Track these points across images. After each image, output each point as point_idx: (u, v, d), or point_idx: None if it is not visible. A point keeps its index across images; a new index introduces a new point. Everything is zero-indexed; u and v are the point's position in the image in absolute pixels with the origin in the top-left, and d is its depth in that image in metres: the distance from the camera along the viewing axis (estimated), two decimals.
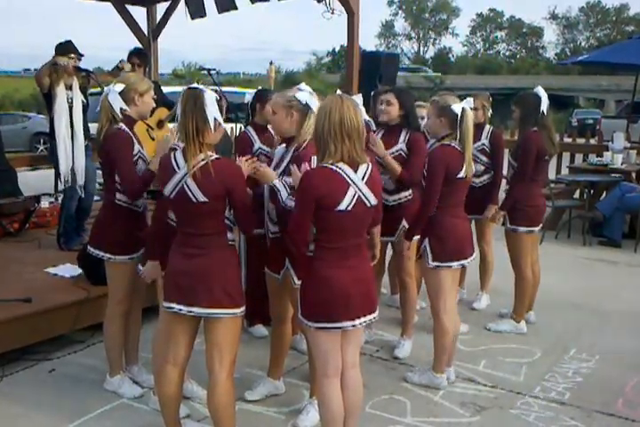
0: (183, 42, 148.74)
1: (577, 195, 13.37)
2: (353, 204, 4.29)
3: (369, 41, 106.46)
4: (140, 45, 11.93)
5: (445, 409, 5.63)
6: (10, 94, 51.75)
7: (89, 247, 5.61)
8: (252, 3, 11.28)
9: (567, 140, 15.71)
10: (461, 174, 5.68)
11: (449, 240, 5.78)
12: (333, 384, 4.49)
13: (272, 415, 5.51)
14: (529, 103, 7.10)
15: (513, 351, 6.86)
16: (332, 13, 10.59)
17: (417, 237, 6.08)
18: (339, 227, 4.33)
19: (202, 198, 4.30)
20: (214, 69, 9.02)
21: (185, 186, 4.32)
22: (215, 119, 4.37)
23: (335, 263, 4.35)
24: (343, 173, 4.28)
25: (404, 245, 6.22)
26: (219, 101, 4.45)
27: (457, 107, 5.59)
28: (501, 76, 65.90)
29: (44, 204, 10.32)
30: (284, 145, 5.23)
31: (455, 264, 5.83)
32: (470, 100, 5.79)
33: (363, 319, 4.46)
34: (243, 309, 4.48)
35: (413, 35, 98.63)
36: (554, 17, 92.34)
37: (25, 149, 26.06)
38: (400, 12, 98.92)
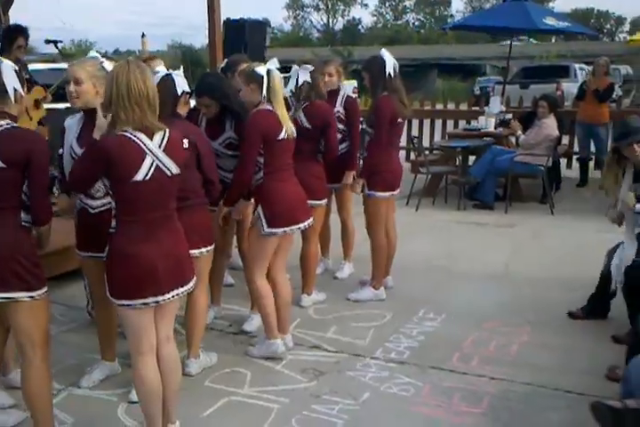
0: (79, 19, 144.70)
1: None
2: (151, 173, 4.18)
3: (277, 13, 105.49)
4: None
5: (284, 377, 5.75)
6: None
7: None
8: None
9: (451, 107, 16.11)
10: (281, 135, 5.73)
11: (279, 205, 5.80)
12: (148, 361, 4.47)
13: (103, 398, 5.42)
14: (375, 68, 7.03)
15: (364, 316, 7.02)
16: None
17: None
18: (139, 198, 4.21)
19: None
20: (60, 41, 8.91)
21: None
22: (15, 90, 4.32)
23: (140, 238, 4.24)
24: (139, 141, 4.17)
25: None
26: (17, 72, 4.39)
27: (261, 69, 5.65)
28: (411, 46, 65.84)
29: None
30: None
31: (288, 229, 5.88)
32: (275, 60, 5.87)
33: (173, 293, 4.40)
34: (41, 291, 4.34)
35: (322, 6, 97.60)
36: None
37: None
38: None
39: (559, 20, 15.84)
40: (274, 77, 5.68)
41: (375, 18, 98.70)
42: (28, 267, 4.26)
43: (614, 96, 14.58)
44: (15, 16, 11.16)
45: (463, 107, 16.41)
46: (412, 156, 14.93)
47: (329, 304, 7.35)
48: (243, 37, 11.58)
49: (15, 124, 4.31)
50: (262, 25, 12.83)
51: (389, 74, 6.97)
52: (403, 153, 14.91)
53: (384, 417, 5.16)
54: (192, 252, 4.92)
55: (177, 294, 4.46)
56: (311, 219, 6.16)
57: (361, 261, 8.00)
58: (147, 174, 4.17)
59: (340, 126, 7.51)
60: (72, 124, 5.21)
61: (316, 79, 6.73)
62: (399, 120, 7.17)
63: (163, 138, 4.27)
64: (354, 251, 8.30)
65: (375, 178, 7.19)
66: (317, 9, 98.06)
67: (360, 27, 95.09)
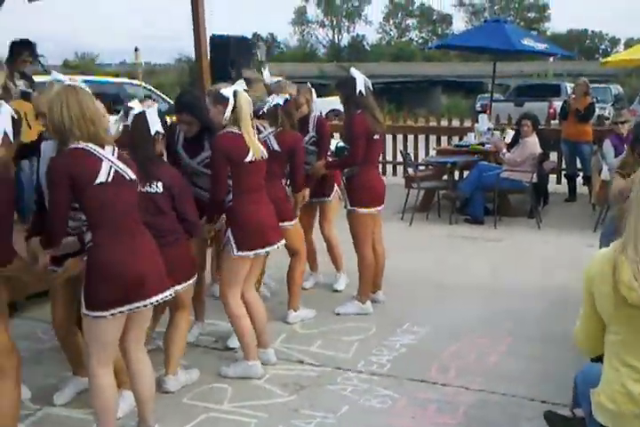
0: (86, 30, 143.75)
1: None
2: (112, 176, 4.32)
3: (283, 28, 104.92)
4: None
5: (265, 391, 5.73)
6: None
7: None
8: None
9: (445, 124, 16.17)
10: (249, 158, 5.72)
11: (249, 227, 5.77)
12: (108, 372, 4.54)
13: (79, 417, 5.34)
14: (346, 86, 7.13)
15: (350, 330, 7.02)
16: None
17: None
18: (106, 202, 4.32)
19: None
20: (42, 56, 8.90)
21: None
22: (5, 133, 4.35)
23: (118, 247, 4.35)
24: (93, 150, 4.31)
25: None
26: (15, 119, 4.43)
27: (227, 91, 5.64)
28: (415, 63, 65.97)
29: None
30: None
31: (261, 251, 5.88)
32: (242, 82, 5.86)
33: (157, 297, 4.53)
34: None
35: (327, 22, 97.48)
36: (461, 4, 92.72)
37: None
38: None
39: (537, 41, 16.23)
40: (240, 99, 5.66)
41: (380, 35, 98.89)
42: None
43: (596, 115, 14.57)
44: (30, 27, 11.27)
45: (468, 123, 16.39)
46: (407, 171, 14.95)
47: (316, 318, 7.34)
48: (228, 54, 11.27)
49: None
50: (247, 41, 12.63)
51: (360, 91, 7.03)
52: (400, 168, 15.05)
53: None
54: (175, 288, 5.05)
55: (159, 300, 4.56)
56: (283, 240, 6.16)
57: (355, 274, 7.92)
58: (107, 176, 4.31)
59: (312, 148, 7.63)
60: (48, 149, 5.12)
61: (291, 110, 6.83)
62: (375, 136, 7.18)
63: (113, 149, 4.43)
64: (348, 265, 8.18)
65: (356, 194, 7.25)
66: (322, 25, 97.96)
67: (365, 43, 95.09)
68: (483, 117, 14.38)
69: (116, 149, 4.47)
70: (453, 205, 11.98)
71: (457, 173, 13.24)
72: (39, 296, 6.24)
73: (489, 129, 13.82)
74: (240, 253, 5.77)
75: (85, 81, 4.88)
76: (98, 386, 4.53)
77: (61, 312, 5.31)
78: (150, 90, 16.01)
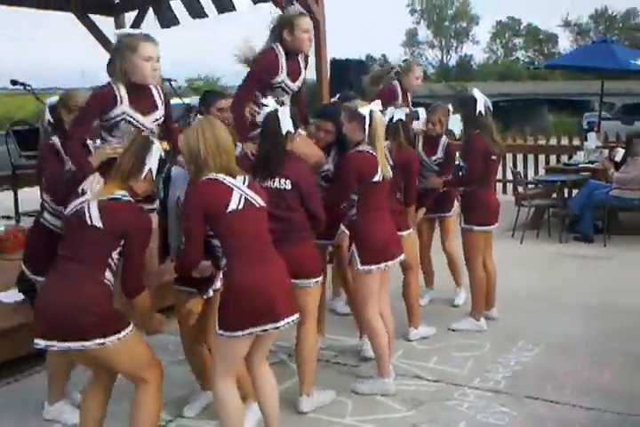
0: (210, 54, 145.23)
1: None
2: (242, 204, 4.52)
3: (394, 50, 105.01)
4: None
5: (384, 406, 5.81)
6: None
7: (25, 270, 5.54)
8: (255, 3, 11.56)
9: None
10: (377, 178, 5.79)
11: (373, 244, 5.84)
12: (231, 386, 4.71)
13: None
14: (467, 106, 7.19)
15: (465, 346, 7.05)
16: None
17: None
18: (238, 228, 4.53)
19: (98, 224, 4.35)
20: (174, 80, 9.19)
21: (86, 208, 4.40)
22: (150, 170, 4.55)
23: (252, 270, 4.51)
24: (225, 181, 4.53)
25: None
26: (161, 156, 4.61)
27: (364, 110, 5.72)
28: (521, 82, 65.27)
29: (0, 228, 9.86)
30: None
31: (382, 265, 5.91)
32: (378, 102, 5.94)
33: (287, 320, 4.66)
34: (114, 337, 4.33)
35: (436, 43, 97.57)
36: (567, 24, 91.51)
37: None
38: (422, 20, 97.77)
39: None
40: (375, 119, 5.76)
41: (487, 54, 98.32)
42: (103, 319, 4.30)
43: None
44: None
45: (576, 141, 16.17)
46: (517, 189, 14.88)
47: (435, 335, 7.38)
48: (347, 76, 11.75)
49: (130, 199, 4.52)
50: (365, 64, 13.00)
51: (480, 112, 7.08)
52: (509, 186, 14.97)
53: None
54: (302, 282, 5.28)
55: (289, 322, 4.72)
56: (403, 254, 6.21)
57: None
58: (238, 204, 4.52)
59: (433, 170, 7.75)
60: (179, 175, 5.28)
61: (409, 126, 6.92)
62: (492, 157, 7.25)
63: (244, 179, 4.64)
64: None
65: (471, 213, 7.32)
66: (432, 46, 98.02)
67: (472, 63, 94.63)
68: (591, 136, 14.24)
69: (248, 178, 4.67)
70: (563, 223, 11.88)
71: (566, 191, 13.13)
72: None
73: (597, 147, 13.67)
74: (364, 267, 5.86)
75: None
76: (222, 399, 4.71)
77: (189, 327, 5.45)
78: None
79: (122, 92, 5.02)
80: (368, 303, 5.97)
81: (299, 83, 6.43)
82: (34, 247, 5.54)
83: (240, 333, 4.52)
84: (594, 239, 11.49)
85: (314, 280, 5.56)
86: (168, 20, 12.36)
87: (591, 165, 12.90)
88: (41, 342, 4.34)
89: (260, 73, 6.18)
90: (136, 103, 5.08)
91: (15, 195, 10.72)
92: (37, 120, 6.85)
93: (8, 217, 10.96)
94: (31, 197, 10.65)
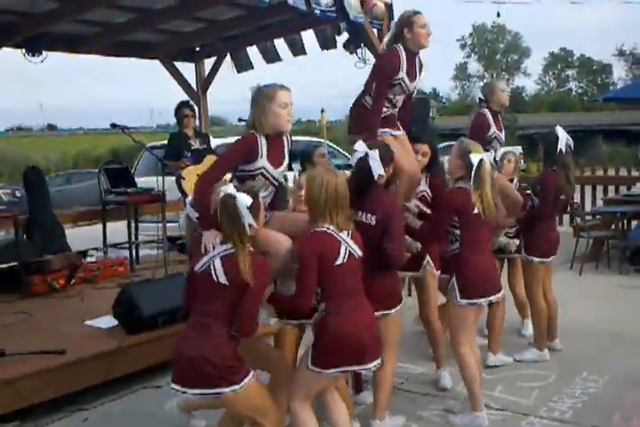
0: None
1: None
2: (347, 257, 4.78)
3: (444, 83, 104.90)
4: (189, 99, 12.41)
5: None
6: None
7: None
8: (267, 63, 12.25)
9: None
10: (475, 211, 5.79)
11: (474, 277, 5.88)
12: (308, 408, 4.92)
13: None
14: (548, 143, 7.28)
15: (529, 376, 7.05)
16: (365, 63, 10.79)
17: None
18: (340, 278, 4.77)
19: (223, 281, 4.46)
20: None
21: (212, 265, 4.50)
22: (250, 225, 4.49)
23: (348, 314, 4.76)
24: (335, 235, 4.77)
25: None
26: (250, 206, 4.49)
27: (475, 157, 5.78)
28: (573, 113, 64.92)
29: (91, 258, 10.60)
30: None
31: (482, 301, 6.01)
32: (490, 155, 6.12)
33: (375, 362, 4.93)
34: (236, 387, 4.47)
35: (487, 76, 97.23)
36: (621, 53, 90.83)
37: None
38: (472, 54, 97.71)
39: None
40: (484, 167, 5.80)
41: (539, 86, 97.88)
42: (225, 371, 4.42)
43: None
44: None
45: (635, 172, 16.12)
46: (574, 220, 14.84)
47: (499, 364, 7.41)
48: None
49: (249, 249, 4.54)
50: (425, 100, 13.04)
51: (561, 150, 7.12)
52: (566, 218, 14.90)
53: None
54: (385, 312, 5.45)
55: (373, 366, 4.96)
56: (502, 292, 6.22)
57: None
58: (344, 258, 4.79)
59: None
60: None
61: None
62: (562, 196, 7.32)
63: (349, 232, 4.87)
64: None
65: (533, 244, 7.37)
66: (482, 78, 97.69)
67: (524, 94, 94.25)
68: None
69: (351, 231, 4.89)
70: (623, 255, 11.83)
71: (626, 223, 13.09)
72: None
73: None
74: (462, 301, 5.92)
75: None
76: (303, 420, 4.91)
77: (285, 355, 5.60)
78: (331, 146, 16.36)
79: (263, 144, 5.14)
80: (462, 336, 5.99)
81: (415, 84, 6.52)
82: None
83: (332, 371, 4.78)
84: None
85: (394, 309, 5.65)
86: (244, 65, 12.90)
87: None
88: (175, 387, 4.55)
89: (383, 69, 6.39)
90: (271, 155, 5.19)
91: (104, 228, 11.20)
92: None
93: (97, 249, 11.45)
94: (118, 229, 11.35)
